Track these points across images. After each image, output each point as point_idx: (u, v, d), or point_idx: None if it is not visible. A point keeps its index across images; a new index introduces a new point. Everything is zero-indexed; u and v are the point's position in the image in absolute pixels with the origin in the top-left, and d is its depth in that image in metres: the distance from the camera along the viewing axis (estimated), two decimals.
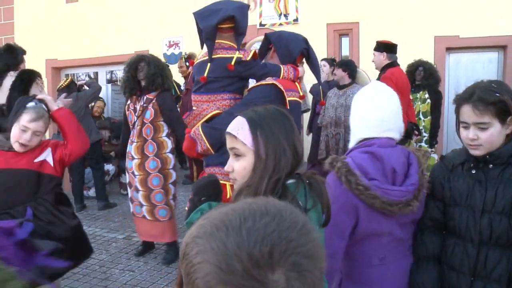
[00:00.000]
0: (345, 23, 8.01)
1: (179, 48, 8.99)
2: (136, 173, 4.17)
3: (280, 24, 8.40)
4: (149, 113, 4.06)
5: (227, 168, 1.42)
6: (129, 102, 4.29)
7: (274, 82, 2.58)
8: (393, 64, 4.76)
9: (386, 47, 4.78)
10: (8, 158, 2.45)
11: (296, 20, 8.33)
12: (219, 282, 0.57)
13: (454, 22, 7.37)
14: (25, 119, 2.45)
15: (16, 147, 2.47)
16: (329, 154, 5.38)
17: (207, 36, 2.64)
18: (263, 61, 2.88)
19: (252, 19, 8.58)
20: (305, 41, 2.94)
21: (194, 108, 2.77)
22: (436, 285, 1.79)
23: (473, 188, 1.71)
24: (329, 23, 8.11)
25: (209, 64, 2.66)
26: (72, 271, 4.14)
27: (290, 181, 1.36)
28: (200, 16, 2.67)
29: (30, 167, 2.47)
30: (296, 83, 2.81)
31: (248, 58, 2.67)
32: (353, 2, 7.94)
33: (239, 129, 1.35)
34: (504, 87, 1.71)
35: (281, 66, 2.72)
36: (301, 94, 2.75)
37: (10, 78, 4.18)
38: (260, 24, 8.49)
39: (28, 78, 4.11)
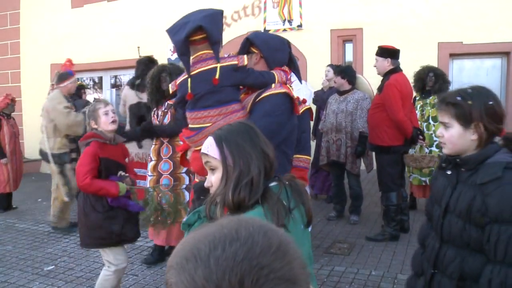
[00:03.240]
0: (349, 29, 8.04)
1: None
2: (150, 173, 4.35)
3: (284, 30, 8.43)
4: (167, 117, 4.26)
5: (206, 184, 1.58)
6: (155, 109, 4.50)
7: (286, 90, 2.54)
8: (396, 69, 4.73)
9: (390, 53, 4.76)
10: (113, 151, 3.21)
11: (300, 26, 8.37)
12: None
13: (457, 28, 7.39)
14: (101, 108, 3.16)
15: (110, 127, 3.17)
16: (330, 160, 5.39)
17: (180, 52, 2.58)
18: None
19: (257, 25, 8.63)
20: (288, 44, 2.82)
21: (203, 125, 2.58)
22: (418, 267, 2.03)
23: (446, 188, 1.82)
24: (333, 29, 8.14)
25: (189, 80, 2.57)
26: (76, 275, 4.17)
27: (273, 183, 1.51)
28: (171, 32, 2.61)
29: (122, 162, 3.30)
30: (289, 85, 2.72)
31: (245, 63, 2.56)
32: (357, 8, 7.97)
33: (208, 146, 1.53)
34: (478, 95, 1.76)
35: (274, 72, 2.64)
36: (295, 96, 2.66)
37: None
38: (264, 30, 8.53)
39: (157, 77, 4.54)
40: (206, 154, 1.54)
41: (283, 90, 2.52)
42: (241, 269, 0.55)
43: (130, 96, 5.40)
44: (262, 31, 8.48)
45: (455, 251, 1.77)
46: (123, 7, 9.85)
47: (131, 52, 9.59)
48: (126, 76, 10.48)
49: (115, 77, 10.42)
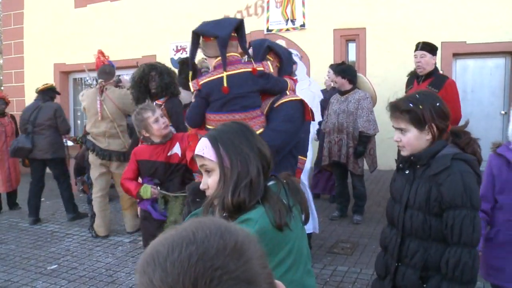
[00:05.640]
0: (352, 28, 8.03)
1: (186, 53, 9.04)
2: None
3: (287, 30, 8.43)
4: None
5: (202, 186, 1.53)
6: None
7: (302, 98, 2.73)
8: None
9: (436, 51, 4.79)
10: (152, 151, 3.24)
11: (303, 25, 8.36)
12: None
13: (461, 28, 7.37)
14: (150, 117, 3.19)
15: (164, 132, 3.24)
16: (331, 160, 5.38)
17: (223, 43, 2.60)
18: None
19: (260, 24, 8.62)
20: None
21: None
22: (381, 270, 2.16)
23: (404, 186, 1.99)
24: (336, 28, 8.13)
25: (225, 75, 2.60)
26: (79, 274, 4.18)
27: (271, 182, 1.49)
28: (207, 26, 2.66)
29: (164, 160, 3.24)
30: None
31: (271, 70, 2.70)
32: (359, 7, 7.96)
33: (203, 148, 1.48)
34: (426, 99, 1.92)
35: (286, 79, 2.81)
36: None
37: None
38: (267, 30, 8.53)
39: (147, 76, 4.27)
40: (202, 157, 1.49)
41: (299, 97, 2.71)
42: (195, 271, 0.57)
43: (187, 95, 5.05)
44: (265, 31, 8.49)
45: (417, 243, 1.93)
46: (126, 7, 9.87)
47: (134, 52, 9.60)
48: (129, 76, 10.51)
49: (118, 76, 10.39)
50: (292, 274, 1.44)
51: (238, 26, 2.67)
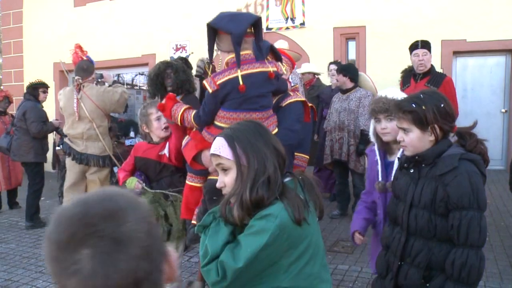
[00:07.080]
0: (352, 27, 8.02)
1: (185, 52, 9.03)
2: None
3: (287, 28, 8.42)
4: None
5: (219, 184, 1.55)
6: None
7: (305, 99, 2.86)
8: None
9: None
10: (146, 148, 3.34)
11: (302, 24, 8.35)
12: (48, 258, 0.74)
13: (461, 26, 7.36)
14: (153, 113, 3.26)
15: (162, 134, 3.28)
16: (333, 159, 5.37)
17: (237, 40, 2.45)
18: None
19: None
20: None
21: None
22: (383, 269, 2.14)
23: (409, 185, 1.98)
24: (335, 27, 8.12)
25: (239, 74, 2.48)
26: None
27: (287, 179, 1.52)
28: (222, 20, 2.53)
29: (154, 158, 3.28)
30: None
31: (285, 73, 2.79)
32: (359, 6, 7.95)
33: (220, 147, 1.50)
34: (430, 99, 1.90)
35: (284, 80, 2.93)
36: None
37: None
38: (267, 28, 8.51)
39: (163, 73, 4.10)
40: (218, 156, 1.51)
41: (303, 98, 2.81)
42: (75, 227, 0.72)
43: None
44: (265, 29, 8.47)
45: (422, 242, 1.91)
46: (126, 5, 9.85)
47: (134, 51, 9.60)
48: (129, 74, 10.50)
49: (118, 75, 10.40)
50: (311, 268, 1.47)
51: (254, 23, 2.54)
